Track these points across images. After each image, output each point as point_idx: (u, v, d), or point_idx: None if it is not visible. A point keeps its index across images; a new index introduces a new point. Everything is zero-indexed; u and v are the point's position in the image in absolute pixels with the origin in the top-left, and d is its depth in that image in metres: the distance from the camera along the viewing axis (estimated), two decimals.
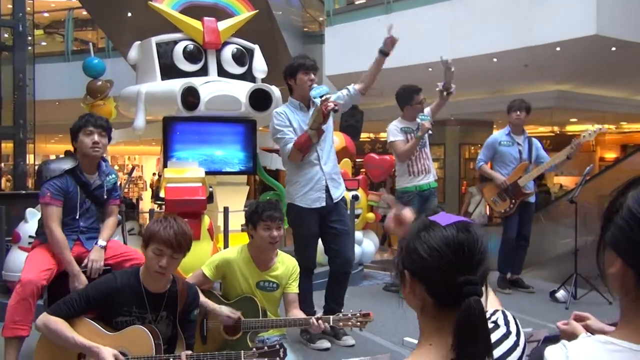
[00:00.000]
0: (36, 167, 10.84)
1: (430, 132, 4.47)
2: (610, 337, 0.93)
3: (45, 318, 2.19)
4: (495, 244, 4.92)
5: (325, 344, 3.33)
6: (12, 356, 2.66)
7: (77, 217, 2.94)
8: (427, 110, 4.66)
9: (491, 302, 1.30)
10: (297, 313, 2.81)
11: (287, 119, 3.45)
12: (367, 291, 5.05)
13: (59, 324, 2.15)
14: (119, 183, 3.29)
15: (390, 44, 3.58)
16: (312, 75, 3.43)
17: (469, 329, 1.02)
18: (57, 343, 2.17)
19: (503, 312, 1.23)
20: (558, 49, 8.24)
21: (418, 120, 4.49)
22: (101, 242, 2.94)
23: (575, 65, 9.17)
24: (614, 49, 8.36)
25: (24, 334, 2.66)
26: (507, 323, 1.18)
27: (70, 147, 3.11)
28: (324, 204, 3.43)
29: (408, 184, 4.59)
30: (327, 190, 3.45)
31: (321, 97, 3.26)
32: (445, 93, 4.47)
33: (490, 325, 1.16)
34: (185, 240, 2.25)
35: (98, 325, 2.21)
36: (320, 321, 2.55)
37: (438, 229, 1.10)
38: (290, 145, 3.38)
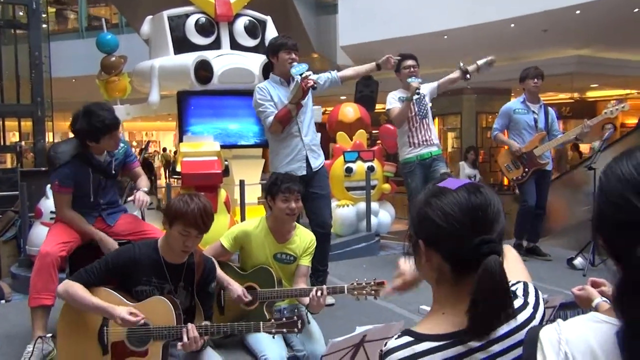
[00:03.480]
0: None
1: (418, 92, 4.33)
2: (603, 314, 0.93)
3: (66, 284, 2.25)
4: None
5: (330, 299, 3.44)
6: (39, 325, 2.74)
7: (98, 194, 3.00)
8: (434, 84, 4.61)
9: (515, 273, 1.26)
10: (303, 286, 2.85)
11: (268, 93, 3.66)
12: (384, 261, 5.08)
13: (78, 288, 2.21)
14: (132, 151, 3.33)
15: (389, 65, 3.86)
16: (293, 55, 3.64)
17: (488, 287, 1.01)
18: (76, 307, 2.24)
19: (524, 284, 1.20)
20: (578, 12, 8.01)
21: (408, 81, 4.38)
22: (143, 188, 3.05)
23: (596, 29, 8.93)
24: (636, 10, 8.11)
25: (48, 303, 2.74)
26: (525, 294, 1.16)
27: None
28: (304, 172, 3.65)
29: (409, 154, 4.54)
30: (307, 160, 3.67)
31: (301, 74, 3.48)
32: (466, 75, 4.41)
33: None
34: (209, 220, 2.29)
35: (120, 294, 2.26)
36: (319, 292, 2.57)
37: (449, 193, 1.10)
38: (271, 118, 3.60)
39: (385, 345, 1.09)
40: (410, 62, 4.47)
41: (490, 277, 1.01)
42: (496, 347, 1.06)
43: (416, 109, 4.48)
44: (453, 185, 1.11)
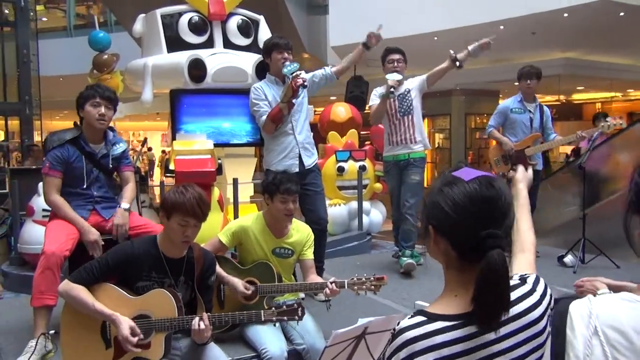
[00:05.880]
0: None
1: (392, 90, 4.14)
2: (635, 294, 0.96)
3: (67, 285, 2.24)
4: None
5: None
6: (42, 324, 2.73)
7: (86, 186, 2.97)
8: (422, 77, 4.39)
9: (526, 266, 1.29)
10: (315, 278, 2.88)
11: (263, 93, 3.71)
12: (377, 259, 5.12)
13: (80, 291, 2.21)
14: (129, 152, 3.31)
15: (374, 40, 3.78)
16: (286, 54, 3.68)
17: (490, 280, 1.04)
18: (78, 309, 2.24)
19: (536, 276, 1.23)
20: (566, 15, 8.13)
21: (386, 77, 4.25)
22: (124, 204, 2.99)
23: (583, 32, 9.06)
24: (622, 14, 8.25)
25: (51, 303, 2.73)
26: (535, 283, 1.20)
27: (76, 120, 3.14)
28: (296, 170, 3.68)
29: (387, 153, 4.44)
30: (300, 158, 3.72)
31: (292, 74, 3.53)
32: (456, 62, 4.18)
33: (518, 281, 1.18)
34: (206, 208, 2.31)
35: (121, 290, 2.26)
36: (334, 285, 2.61)
37: (461, 183, 1.13)
38: (264, 117, 3.66)
39: (398, 324, 1.12)
40: (395, 56, 4.33)
41: (492, 271, 1.04)
42: (505, 329, 1.10)
43: (397, 106, 4.31)
44: (467, 176, 1.14)
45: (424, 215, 1.18)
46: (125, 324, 2.14)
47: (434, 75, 4.35)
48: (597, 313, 0.94)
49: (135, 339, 2.13)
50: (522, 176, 1.46)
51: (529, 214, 1.38)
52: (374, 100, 4.42)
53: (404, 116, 4.32)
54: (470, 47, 4.20)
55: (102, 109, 2.93)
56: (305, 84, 3.54)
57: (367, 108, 7.44)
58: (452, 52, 4.24)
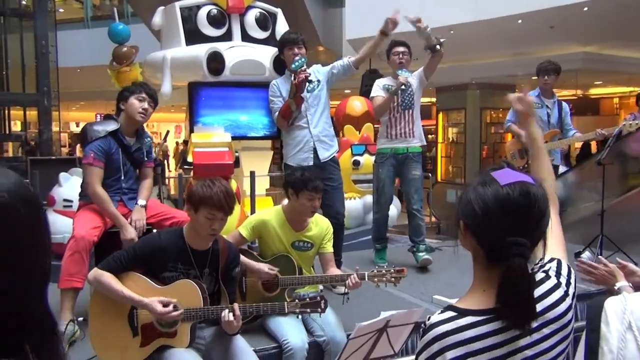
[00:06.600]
0: (61, 135, 10.99)
1: (403, 86, 4.10)
2: None
3: (96, 272, 2.31)
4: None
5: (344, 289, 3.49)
6: (68, 307, 2.81)
7: (122, 177, 3.07)
8: (419, 70, 4.36)
9: (551, 249, 1.27)
10: (334, 271, 2.92)
11: (278, 89, 3.82)
12: (392, 253, 5.13)
13: (109, 278, 2.27)
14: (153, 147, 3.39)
15: (391, 25, 3.77)
16: (296, 50, 3.73)
17: (510, 288, 1.06)
18: (107, 295, 2.29)
19: (558, 262, 1.24)
20: (586, 8, 8.03)
21: (397, 72, 4.22)
22: (141, 201, 3.08)
23: (602, 26, 8.95)
24: None
25: (79, 285, 2.82)
26: (558, 274, 1.21)
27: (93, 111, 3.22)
28: (311, 163, 3.73)
29: (383, 145, 4.40)
30: (315, 152, 3.75)
31: (298, 69, 3.59)
32: (432, 51, 4.10)
33: (542, 275, 1.20)
34: (232, 201, 2.36)
35: (148, 279, 2.31)
36: (355, 277, 2.64)
37: (495, 186, 1.13)
38: (277, 114, 3.76)
39: (429, 319, 1.14)
40: (400, 49, 4.30)
41: (511, 280, 1.06)
42: (532, 323, 1.12)
43: (399, 99, 4.27)
44: (504, 179, 1.13)
45: (458, 208, 1.20)
46: (155, 303, 2.18)
47: (428, 68, 4.32)
48: (632, 309, 0.96)
49: (170, 308, 2.18)
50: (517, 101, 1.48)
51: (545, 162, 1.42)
52: (377, 92, 4.36)
53: (404, 110, 4.30)
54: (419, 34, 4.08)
55: (146, 104, 3.04)
56: (310, 78, 3.60)
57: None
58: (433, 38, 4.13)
